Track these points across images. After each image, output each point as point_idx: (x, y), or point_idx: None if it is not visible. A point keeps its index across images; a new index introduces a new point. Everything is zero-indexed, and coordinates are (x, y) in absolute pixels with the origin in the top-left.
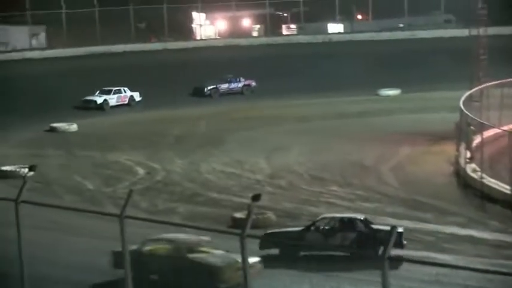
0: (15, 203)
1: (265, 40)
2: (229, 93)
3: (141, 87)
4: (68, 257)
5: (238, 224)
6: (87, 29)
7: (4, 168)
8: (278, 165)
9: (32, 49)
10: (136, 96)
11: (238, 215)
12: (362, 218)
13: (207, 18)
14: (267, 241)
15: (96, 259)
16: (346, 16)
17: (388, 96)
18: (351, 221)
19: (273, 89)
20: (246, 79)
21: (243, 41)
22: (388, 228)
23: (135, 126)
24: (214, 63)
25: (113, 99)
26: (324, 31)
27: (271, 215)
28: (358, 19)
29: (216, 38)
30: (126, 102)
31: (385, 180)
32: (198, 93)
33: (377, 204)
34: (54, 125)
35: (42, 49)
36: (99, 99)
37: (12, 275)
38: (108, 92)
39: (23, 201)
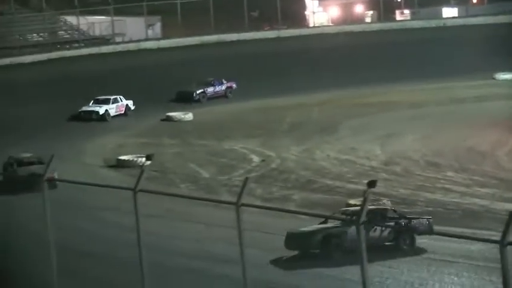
0: (133, 192)
1: (378, 26)
2: (215, 96)
3: (255, 76)
4: (185, 245)
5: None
6: (201, 18)
7: (122, 157)
8: (392, 151)
9: (147, 39)
10: (131, 105)
11: (353, 201)
12: (392, 208)
13: (320, 5)
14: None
15: (212, 247)
16: (460, 0)
17: (506, 80)
18: (384, 212)
19: (385, 75)
20: (227, 81)
21: (356, 28)
22: (418, 217)
23: (250, 115)
24: (327, 51)
25: (112, 109)
26: (438, 16)
27: (386, 202)
28: (473, 3)
29: (329, 25)
30: (123, 111)
31: (503, 165)
32: (185, 98)
33: (495, 190)
34: (170, 114)
35: (158, 39)
36: (101, 110)
37: (131, 262)
38: (107, 102)
39: (141, 190)
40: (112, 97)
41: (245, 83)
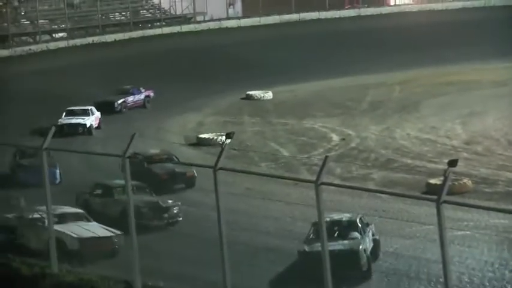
0: (213, 170)
1: (461, 4)
2: (134, 106)
3: (335, 53)
4: (264, 224)
5: (433, 190)
6: None
7: (202, 135)
8: (474, 130)
9: (228, 18)
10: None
11: (434, 181)
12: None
13: None
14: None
15: (292, 226)
16: None
17: None
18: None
19: (468, 53)
20: (145, 89)
21: (437, 6)
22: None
23: (330, 93)
24: (408, 29)
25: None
26: None
27: (467, 181)
28: None
29: (410, 4)
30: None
31: None
32: (107, 108)
33: None
34: (250, 92)
35: (238, 18)
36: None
37: (212, 240)
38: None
39: (221, 169)
40: (88, 108)
41: (324, 62)
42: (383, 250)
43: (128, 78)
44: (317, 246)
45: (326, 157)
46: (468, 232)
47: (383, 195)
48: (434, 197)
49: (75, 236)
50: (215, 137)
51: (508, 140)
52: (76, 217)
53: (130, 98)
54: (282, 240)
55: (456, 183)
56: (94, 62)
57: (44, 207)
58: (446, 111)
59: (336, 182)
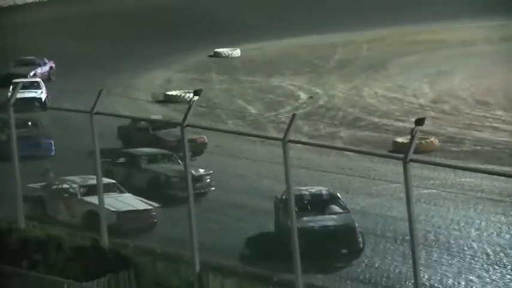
0: (181, 127)
1: None
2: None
3: (306, 12)
4: (232, 181)
5: (400, 148)
6: None
7: (169, 93)
8: (441, 89)
9: None
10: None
11: (401, 139)
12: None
13: None
14: None
15: (258, 183)
16: None
17: None
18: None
19: (437, 12)
20: (48, 60)
21: None
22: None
23: (298, 51)
24: None
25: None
26: None
27: (434, 140)
28: None
29: None
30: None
31: None
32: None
33: None
34: (218, 50)
35: None
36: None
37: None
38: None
39: (189, 125)
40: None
41: (293, 20)
42: (350, 208)
43: (98, 34)
44: (305, 222)
45: (293, 115)
46: (434, 190)
47: (350, 154)
48: (401, 155)
49: (112, 209)
50: (183, 94)
51: (475, 100)
52: (108, 188)
53: (39, 70)
54: (249, 198)
55: (423, 141)
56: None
57: (71, 178)
58: (414, 70)
59: (304, 139)
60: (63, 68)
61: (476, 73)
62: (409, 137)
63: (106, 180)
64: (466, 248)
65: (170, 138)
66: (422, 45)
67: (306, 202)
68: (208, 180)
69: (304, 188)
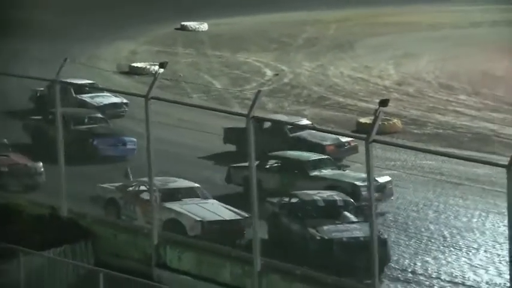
0: (145, 99)
1: None
2: None
3: None
4: (196, 154)
5: (363, 128)
6: None
7: (135, 64)
8: (407, 72)
9: None
10: None
11: (364, 119)
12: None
13: None
14: None
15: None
16: None
17: None
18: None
19: None
20: None
21: None
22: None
23: (266, 28)
24: None
25: None
26: None
27: (397, 122)
28: None
29: None
30: None
31: None
32: None
33: (506, 115)
34: (185, 23)
35: None
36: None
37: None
38: None
39: (153, 98)
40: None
41: None
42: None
43: (64, 2)
44: (328, 232)
45: (259, 91)
46: (395, 172)
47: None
48: (364, 135)
49: (197, 218)
50: (148, 66)
51: (439, 83)
52: (191, 193)
53: None
54: (212, 172)
55: (386, 123)
56: None
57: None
58: (381, 52)
59: (268, 116)
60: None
61: (441, 57)
62: (372, 117)
63: (188, 183)
64: (423, 229)
65: (327, 142)
66: (391, 27)
67: (320, 209)
68: (390, 188)
69: (313, 192)
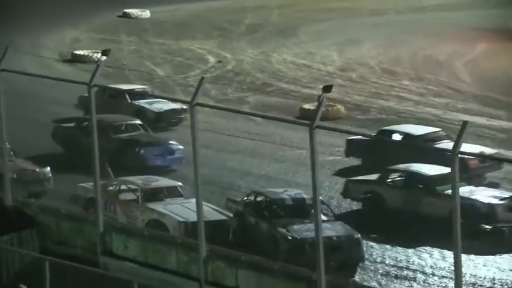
0: (88, 87)
1: None
2: None
3: None
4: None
5: (307, 115)
6: None
7: (77, 52)
8: (350, 57)
9: None
10: None
11: (308, 106)
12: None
13: None
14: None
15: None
16: None
17: None
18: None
19: None
20: None
21: None
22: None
23: (208, 15)
24: None
25: None
26: None
27: (341, 108)
28: None
29: None
30: None
31: (459, 76)
32: None
33: (448, 100)
34: (127, 10)
35: None
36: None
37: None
38: None
39: (96, 85)
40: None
41: None
42: (255, 173)
43: None
44: (299, 231)
45: (202, 78)
46: (339, 157)
47: (257, 119)
48: (308, 121)
49: (180, 219)
50: (90, 54)
51: (382, 68)
52: (172, 192)
53: None
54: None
55: (330, 109)
56: None
57: (129, 178)
58: (324, 38)
59: (211, 103)
60: None
61: (385, 42)
62: (316, 103)
63: (169, 181)
64: None
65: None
66: (333, 13)
67: (288, 207)
68: None
69: (279, 190)
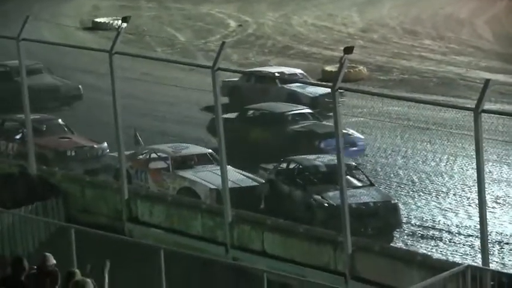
0: (109, 54)
1: None
2: None
3: None
4: (161, 108)
5: (329, 77)
6: None
7: (98, 19)
8: (370, 18)
9: None
10: None
11: (329, 68)
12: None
13: None
14: None
15: (188, 111)
16: None
17: None
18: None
19: None
20: None
21: None
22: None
23: None
24: None
25: None
26: None
27: (363, 69)
28: None
29: None
30: None
31: (480, 33)
32: None
33: (471, 58)
34: None
35: None
36: None
37: (108, 123)
38: None
39: (117, 53)
40: None
41: None
42: None
43: None
44: (335, 198)
45: (223, 43)
46: (362, 118)
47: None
48: (330, 83)
49: (212, 186)
50: (111, 21)
51: (403, 29)
52: (204, 159)
53: None
54: (179, 126)
55: (351, 70)
56: None
57: (159, 146)
58: None
59: (233, 68)
60: None
61: (405, 2)
62: (337, 65)
63: (199, 149)
64: (392, 175)
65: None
66: None
67: (321, 174)
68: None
69: (312, 157)
